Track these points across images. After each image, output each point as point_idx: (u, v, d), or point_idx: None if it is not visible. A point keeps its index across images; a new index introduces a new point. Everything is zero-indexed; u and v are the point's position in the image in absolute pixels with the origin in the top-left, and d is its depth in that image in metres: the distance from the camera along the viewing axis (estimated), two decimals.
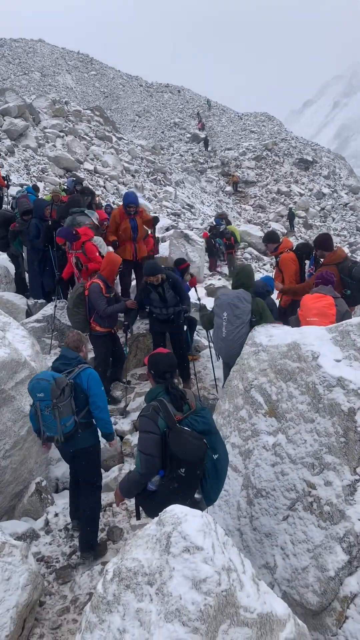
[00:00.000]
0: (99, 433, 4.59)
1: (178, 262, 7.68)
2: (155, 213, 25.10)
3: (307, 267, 7.04)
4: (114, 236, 7.99)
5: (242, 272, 5.45)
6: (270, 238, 7.52)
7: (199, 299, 8.12)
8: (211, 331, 5.63)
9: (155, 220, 8.76)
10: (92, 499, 4.58)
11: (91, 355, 7.23)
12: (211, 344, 7.80)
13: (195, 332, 8.55)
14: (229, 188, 40.16)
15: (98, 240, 7.87)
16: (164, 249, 14.65)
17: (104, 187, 25.54)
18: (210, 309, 5.64)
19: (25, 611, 3.62)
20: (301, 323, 5.00)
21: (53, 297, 8.31)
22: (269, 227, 29.53)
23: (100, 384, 4.40)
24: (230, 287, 6.03)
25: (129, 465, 5.80)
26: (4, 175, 13.24)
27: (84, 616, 2.59)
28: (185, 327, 6.77)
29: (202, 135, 52.11)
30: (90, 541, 4.54)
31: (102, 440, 4.72)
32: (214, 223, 19.38)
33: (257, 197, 39.12)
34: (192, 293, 8.21)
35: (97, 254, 7.52)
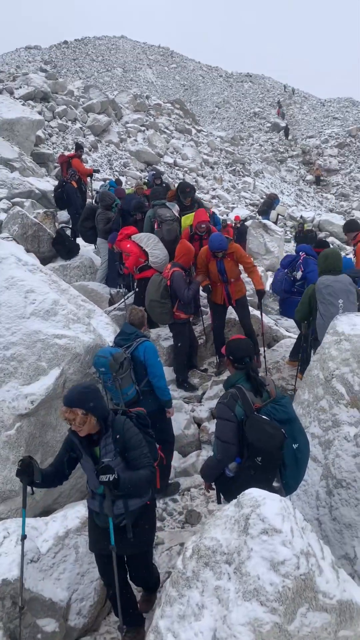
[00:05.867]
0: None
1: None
2: (233, 204, 25.00)
3: None
4: (206, 279, 6.88)
5: (333, 255, 5.10)
6: (350, 227, 7.32)
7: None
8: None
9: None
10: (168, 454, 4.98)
11: (169, 342, 7.39)
12: (291, 334, 7.66)
13: (274, 320, 8.44)
14: (309, 177, 39.01)
15: (139, 237, 7.70)
16: None
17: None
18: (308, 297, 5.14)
19: None
20: None
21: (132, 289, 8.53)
22: (352, 216, 28.42)
23: (156, 355, 4.74)
24: None
25: (207, 452, 5.87)
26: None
27: (164, 591, 2.69)
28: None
29: (283, 124, 50.94)
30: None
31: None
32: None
33: (340, 186, 37.70)
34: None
35: (129, 246, 7.61)
